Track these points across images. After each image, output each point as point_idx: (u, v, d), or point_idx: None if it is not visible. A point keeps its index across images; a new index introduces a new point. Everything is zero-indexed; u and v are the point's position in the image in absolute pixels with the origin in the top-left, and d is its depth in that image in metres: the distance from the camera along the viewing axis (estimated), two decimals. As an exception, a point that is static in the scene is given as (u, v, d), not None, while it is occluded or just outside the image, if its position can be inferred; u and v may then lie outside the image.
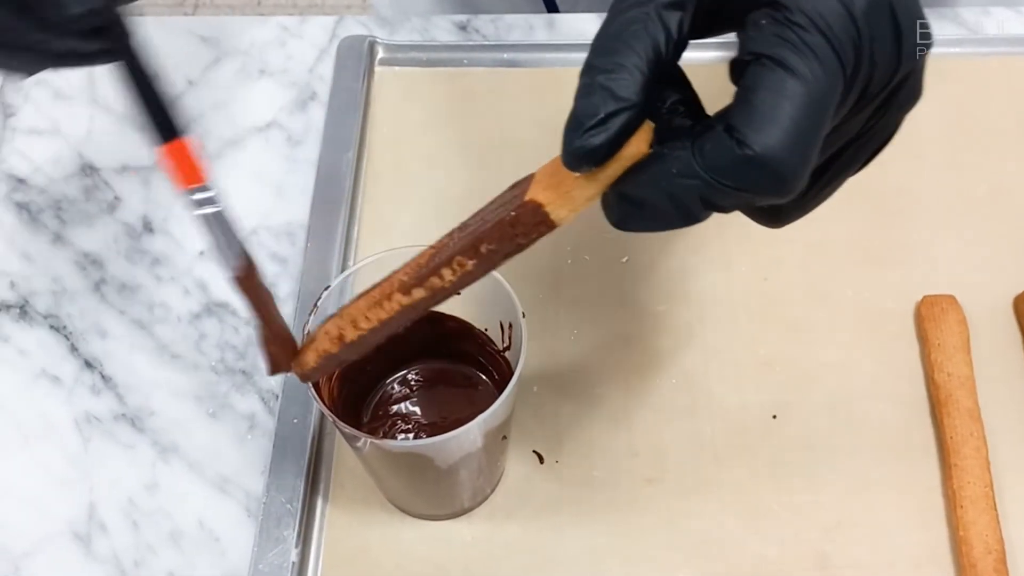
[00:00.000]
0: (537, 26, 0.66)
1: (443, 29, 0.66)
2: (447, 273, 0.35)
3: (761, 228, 0.37)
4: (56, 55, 0.40)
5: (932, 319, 0.51)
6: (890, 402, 0.51)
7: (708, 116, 0.33)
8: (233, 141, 0.61)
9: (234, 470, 0.50)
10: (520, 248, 0.34)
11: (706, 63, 0.38)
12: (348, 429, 0.40)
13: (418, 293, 0.36)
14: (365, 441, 0.42)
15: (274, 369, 0.41)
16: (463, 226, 0.36)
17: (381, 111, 0.62)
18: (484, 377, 0.48)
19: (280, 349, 0.40)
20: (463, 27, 0.66)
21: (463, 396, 0.48)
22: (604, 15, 0.32)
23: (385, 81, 0.63)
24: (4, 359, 0.54)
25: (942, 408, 0.49)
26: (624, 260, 0.55)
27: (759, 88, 0.30)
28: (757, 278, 0.55)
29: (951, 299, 0.52)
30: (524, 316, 0.42)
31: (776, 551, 0.47)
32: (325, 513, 0.48)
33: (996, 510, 0.46)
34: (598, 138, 0.30)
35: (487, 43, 0.65)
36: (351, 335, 0.38)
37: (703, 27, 0.33)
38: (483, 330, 0.46)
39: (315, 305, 0.42)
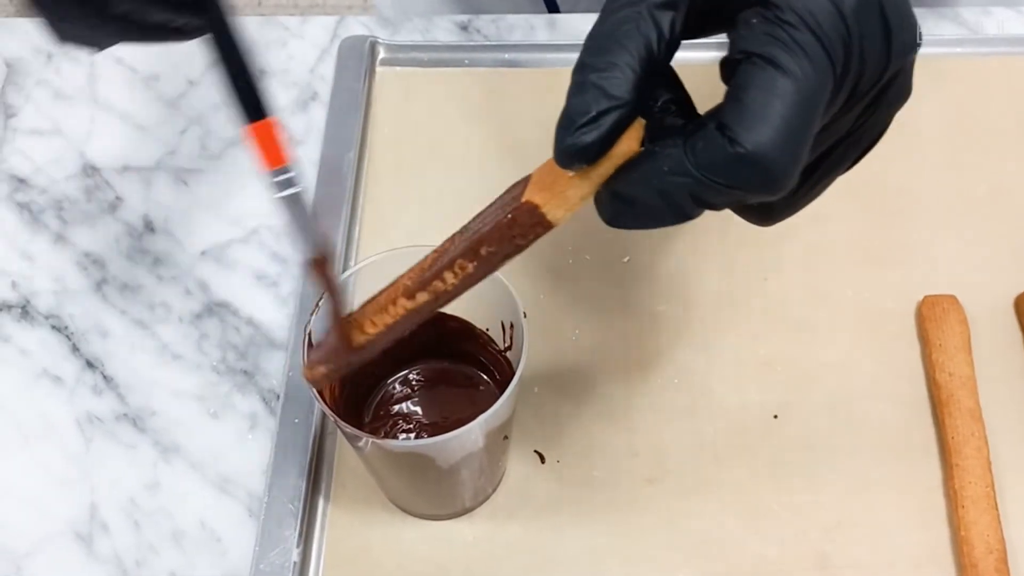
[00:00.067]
0: (538, 26, 0.66)
1: (444, 29, 0.66)
2: (449, 276, 0.35)
3: (762, 228, 0.37)
4: (144, 27, 0.39)
5: (933, 319, 0.51)
6: (891, 402, 0.51)
7: (700, 115, 0.33)
8: (233, 141, 0.61)
9: (235, 470, 0.50)
10: (519, 249, 0.34)
11: (698, 63, 0.38)
12: (349, 429, 0.40)
13: (422, 297, 0.36)
14: (366, 441, 0.42)
15: (329, 357, 0.39)
16: (464, 229, 0.36)
17: (382, 111, 0.62)
18: (485, 377, 0.48)
19: (340, 339, 0.39)
20: (464, 27, 0.66)
21: (464, 396, 0.48)
22: None
23: (386, 81, 0.63)
24: (5, 359, 0.54)
25: (943, 408, 0.49)
26: (625, 260, 0.55)
27: (750, 87, 0.30)
28: (758, 278, 0.55)
29: (952, 299, 0.52)
30: (525, 316, 0.42)
31: (776, 551, 0.47)
32: (326, 513, 0.48)
33: (997, 510, 0.46)
34: (589, 136, 0.31)
35: (488, 43, 0.65)
36: (359, 340, 0.38)
37: (695, 27, 0.33)
38: (484, 330, 0.46)
39: (316, 305, 0.42)
